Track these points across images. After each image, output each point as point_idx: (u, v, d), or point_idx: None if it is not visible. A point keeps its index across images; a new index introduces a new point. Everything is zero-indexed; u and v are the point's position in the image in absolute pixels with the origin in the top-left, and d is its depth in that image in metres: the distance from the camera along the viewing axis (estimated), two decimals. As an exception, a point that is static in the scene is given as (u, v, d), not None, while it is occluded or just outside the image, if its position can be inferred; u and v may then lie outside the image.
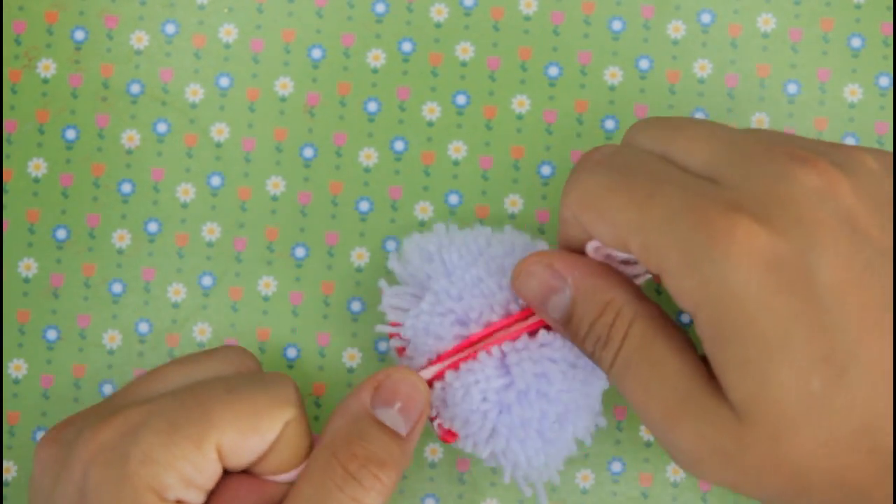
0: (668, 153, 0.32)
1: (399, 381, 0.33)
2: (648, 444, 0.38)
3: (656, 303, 0.32)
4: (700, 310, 0.28)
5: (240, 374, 0.33)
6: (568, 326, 0.32)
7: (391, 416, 0.32)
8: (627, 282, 0.32)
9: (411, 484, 0.38)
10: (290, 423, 0.32)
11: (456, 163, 0.40)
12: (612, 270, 0.32)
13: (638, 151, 0.32)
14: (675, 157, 0.32)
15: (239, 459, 0.31)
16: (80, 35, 0.40)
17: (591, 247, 0.32)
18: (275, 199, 0.40)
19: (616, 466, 0.38)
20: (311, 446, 0.33)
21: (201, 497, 0.31)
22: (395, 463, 0.32)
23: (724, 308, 0.28)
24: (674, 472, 0.38)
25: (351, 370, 0.39)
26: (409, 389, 0.33)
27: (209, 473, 0.31)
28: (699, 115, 0.40)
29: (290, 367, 0.39)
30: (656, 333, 0.31)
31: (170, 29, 0.40)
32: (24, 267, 0.39)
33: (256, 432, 0.31)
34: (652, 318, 0.31)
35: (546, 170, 0.39)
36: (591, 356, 0.32)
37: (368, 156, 0.40)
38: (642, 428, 0.38)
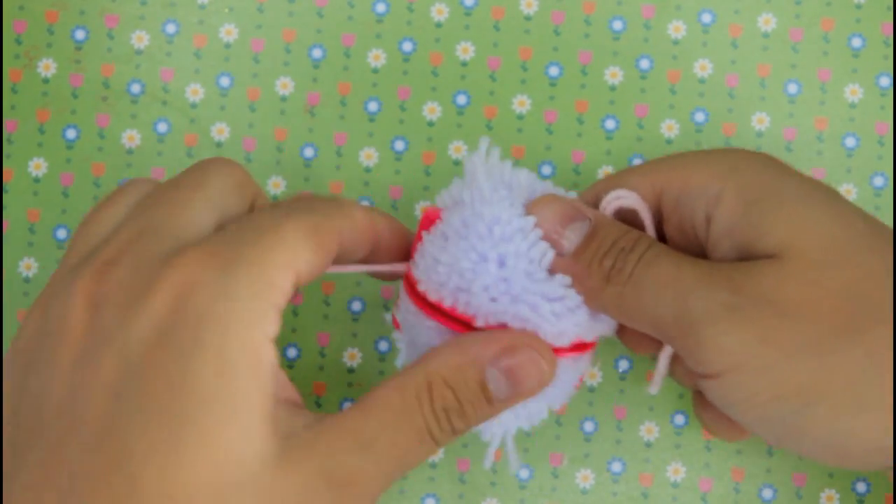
0: None
1: (528, 354, 0.31)
2: (648, 445, 0.38)
3: None
4: (728, 181, 0.31)
5: (276, 204, 0.32)
6: (582, 253, 0.32)
7: (496, 380, 0.31)
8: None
9: (412, 484, 0.38)
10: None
11: (457, 162, 0.40)
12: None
13: None
14: None
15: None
16: (80, 35, 0.40)
17: (608, 197, 0.33)
18: (275, 198, 0.40)
19: (616, 466, 0.38)
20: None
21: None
22: (471, 421, 0.31)
23: (758, 175, 0.31)
24: (674, 473, 0.38)
25: (351, 370, 0.39)
26: (531, 366, 0.31)
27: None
28: (699, 116, 0.40)
29: (291, 366, 0.39)
30: (675, 250, 0.32)
31: (170, 29, 0.40)
32: (25, 267, 0.39)
33: (323, 256, 0.30)
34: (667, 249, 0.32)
35: (547, 169, 0.39)
36: (608, 274, 0.31)
37: (369, 155, 0.40)
38: (642, 428, 0.38)
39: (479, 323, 0.31)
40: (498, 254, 0.31)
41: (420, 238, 0.32)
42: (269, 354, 0.28)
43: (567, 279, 0.31)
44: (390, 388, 0.29)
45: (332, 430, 0.28)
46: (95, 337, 0.27)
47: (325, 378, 0.39)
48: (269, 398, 0.27)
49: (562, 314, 0.31)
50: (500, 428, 0.33)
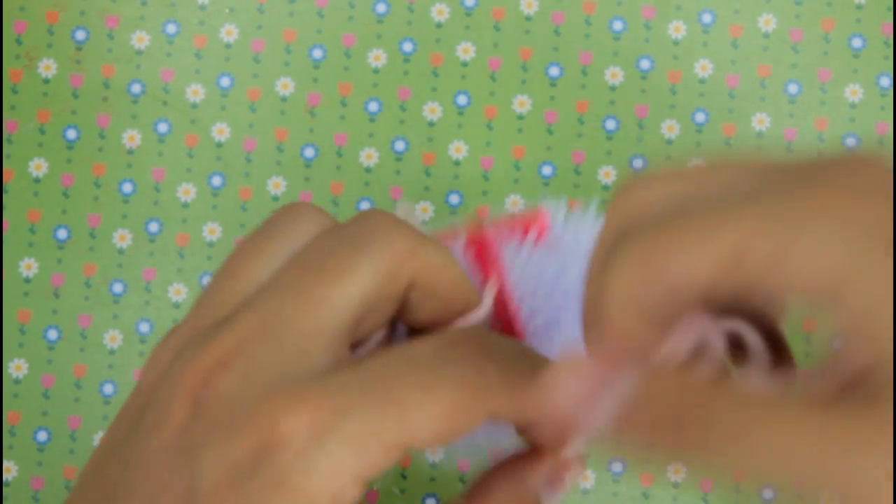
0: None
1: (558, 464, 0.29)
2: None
3: None
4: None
5: (434, 345, 0.27)
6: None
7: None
8: None
9: (412, 484, 0.38)
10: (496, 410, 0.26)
11: (457, 163, 0.40)
12: None
13: None
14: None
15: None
16: (80, 35, 0.40)
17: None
18: (276, 199, 0.40)
19: (617, 466, 0.38)
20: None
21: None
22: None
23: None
24: (675, 473, 0.38)
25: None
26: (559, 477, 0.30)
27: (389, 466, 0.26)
28: (700, 116, 0.40)
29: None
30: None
31: (171, 29, 0.40)
32: (25, 267, 0.39)
33: (452, 436, 0.26)
34: None
35: (547, 170, 0.39)
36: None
37: (369, 156, 0.40)
38: (643, 428, 0.38)
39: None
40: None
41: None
42: None
43: None
44: None
45: None
46: (184, 440, 0.25)
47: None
48: None
49: None
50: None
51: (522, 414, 0.25)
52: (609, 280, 0.23)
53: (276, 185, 0.40)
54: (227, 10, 0.40)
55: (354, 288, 0.26)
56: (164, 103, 0.40)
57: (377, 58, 0.40)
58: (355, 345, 0.28)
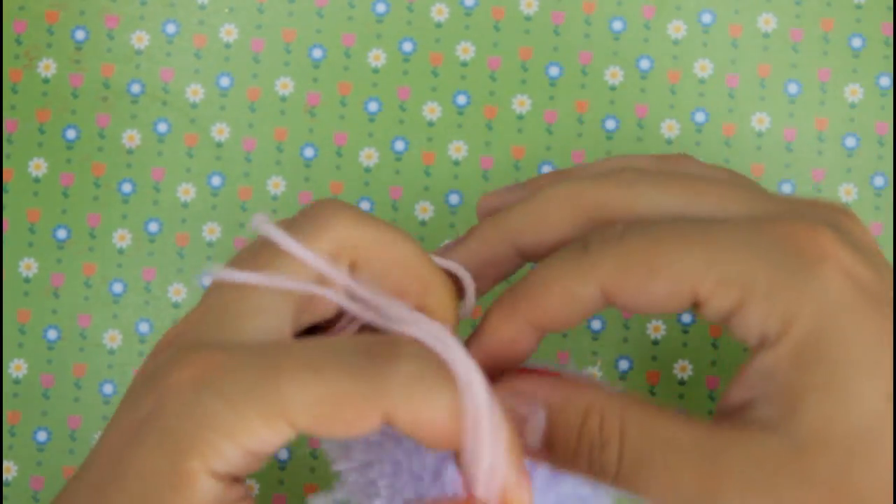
0: (691, 211, 0.29)
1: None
2: (649, 444, 0.38)
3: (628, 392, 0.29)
4: (791, 327, 0.26)
5: (352, 342, 0.26)
6: (553, 449, 0.28)
7: None
8: (595, 383, 0.29)
9: (412, 484, 0.38)
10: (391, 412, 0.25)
11: (456, 163, 0.40)
12: (574, 377, 0.29)
13: (662, 212, 0.30)
14: (705, 212, 0.29)
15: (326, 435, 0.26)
16: (80, 35, 0.40)
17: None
18: (275, 198, 0.40)
19: (616, 466, 0.38)
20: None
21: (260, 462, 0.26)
22: None
23: (820, 324, 0.26)
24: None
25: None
26: None
27: (278, 442, 0.26)
28: (700, 116, 0.40)
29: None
30: (655, 413, 0.28)
31: (170, 29, 0.40)
32: (25, 267, 0.39)
33: (338, 426, 0.25)
34: (639, 403, 0.28)
35: (547, 170, 0.39)
36: (590, 469, 0.28)
37: (369, 156, 0.40)
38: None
39: None
40: None
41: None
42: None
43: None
44: None
45: None
46: (125, 402, 0.27)
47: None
48: None
49: None
50: None
51: (420, 428, 0.25)
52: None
53: (276, 185, 0.40)
54: (226, 10, 0.40)
55: (288, 270, 0.27)
56: (164, 103, 0.40)
57: (377, 58, 0.40)
58: (308, 326, 0.29)
